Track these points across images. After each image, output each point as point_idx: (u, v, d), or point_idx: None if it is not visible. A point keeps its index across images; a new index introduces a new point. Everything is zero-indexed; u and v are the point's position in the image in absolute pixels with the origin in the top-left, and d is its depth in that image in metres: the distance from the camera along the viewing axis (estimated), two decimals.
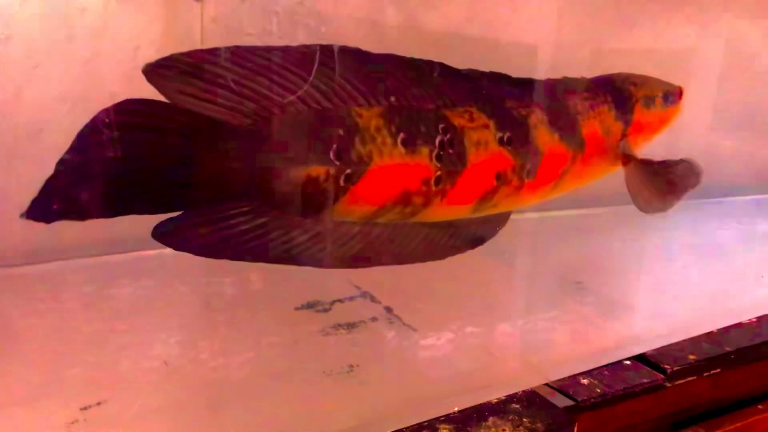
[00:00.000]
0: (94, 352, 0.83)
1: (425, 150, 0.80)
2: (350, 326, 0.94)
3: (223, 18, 1.14)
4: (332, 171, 0.75)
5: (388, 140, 0.77)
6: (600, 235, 1.40)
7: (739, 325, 1.03)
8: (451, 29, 1.32)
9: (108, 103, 1.09)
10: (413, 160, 0.79)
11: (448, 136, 0.81)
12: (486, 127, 0.85)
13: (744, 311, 1.06)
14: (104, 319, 0.91)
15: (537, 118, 0.91)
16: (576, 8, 1.41)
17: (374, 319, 0.96)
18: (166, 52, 1.12)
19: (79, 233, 1.12)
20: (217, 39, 1.14)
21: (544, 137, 0.91)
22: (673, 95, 1.12)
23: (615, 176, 1.56)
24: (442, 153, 0.81)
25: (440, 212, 0.85)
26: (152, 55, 1.11)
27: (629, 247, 1.33)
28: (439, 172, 0.81)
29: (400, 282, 1.10)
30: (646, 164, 1.05)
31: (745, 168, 1.74)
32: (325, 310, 0.98)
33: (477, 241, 0.95)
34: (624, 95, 1.05)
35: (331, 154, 0.75)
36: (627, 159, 1.05)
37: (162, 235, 0.74)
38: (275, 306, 0.99)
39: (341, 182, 0.76)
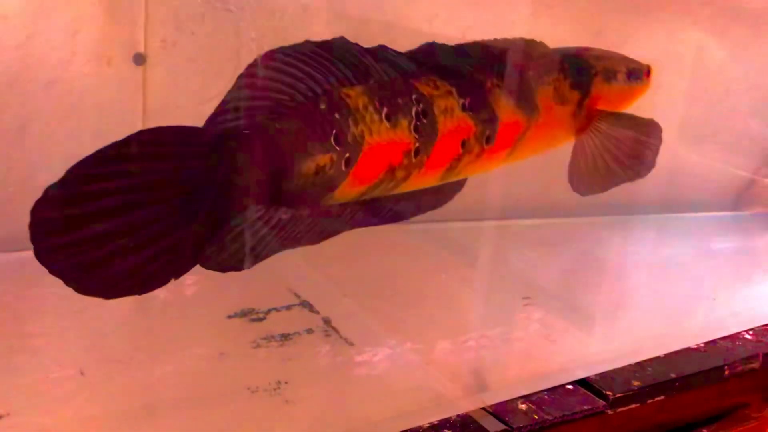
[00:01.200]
0: (1, 358, 0.77)
1: (404, 122, 0.78)
2: (284, 338, 0.89)
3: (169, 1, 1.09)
4: (335, 157, 0.74)
5: (375, 117, 0.76)
6: (555, 248, 1.37)
7: (687, 351, 1.00)
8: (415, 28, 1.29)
9: (41, 90, 1.05)
10: (396, 134, 0.78)
11: (421, 106, 0.80)
12: (450, 93, 0.83)
13: (693, 336, 1.03)
14: (18, 321, 0.86)
15: (492, 82, 0.89)
16: (539, 16, 1.38)
17: (310, 330, 0.92)
18: (107, 38, 1.08)
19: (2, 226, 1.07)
20: (162, 23, 1.09)
21: (500, 102, 0.89)
22: (638, 72, 1.09)
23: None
24: (418, 123, 0.79)
25: (415, 183, 0.84)
26: (92, 40, 1.07)
27: (583, 262, 1.30)
28: (417, 144, 0.80)
29: (342, 290, 1.06)
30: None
31: (707, 184, 1.72)
32: (259, 320, 0.93)
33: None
34: (582, 65, 1.02)
35: (332, 140, 0.73)
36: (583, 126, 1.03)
37: (207, 262, 0.71)
38: (207, 313, 0.94)
39: (342, 167, 0.74)
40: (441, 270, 1.20)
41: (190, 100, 1.11)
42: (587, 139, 1.04)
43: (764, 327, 1.10)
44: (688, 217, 1.66)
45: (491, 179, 1.38)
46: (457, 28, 1.33)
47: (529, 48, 0.98)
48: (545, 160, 1.42)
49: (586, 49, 1.08)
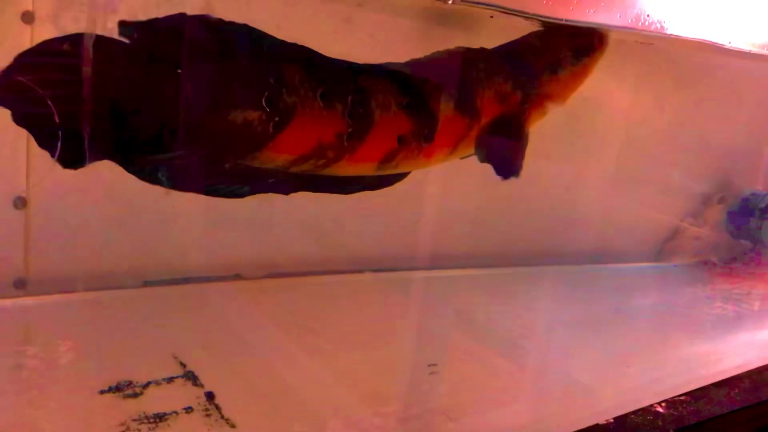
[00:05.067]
0: None
1: (339, 106, 0.86)
2: (158, 419, 0.82)
3: None
4: (264, 117, 0.81)
5: (310, 93, 0.83)
6: (471, 303, 1.32)
7: (596, 428, 0.95)
8: None
9: None
10: (330, 114, 0.85)
11: (358, 96, 0.87)
12: (389, 91, 0.90)
13: (604, 410, 0.98)
14: None
15: (433, 85, 0.96)
16: None
17: (189, 409, 0.84)
18: None
19: None
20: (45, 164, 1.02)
21: (440, 104, 0.95)
22: (587, 47, 1.10)
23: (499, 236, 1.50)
24: (353, 111, 0.86)
25: (347, 168, 0.90)
26: None
27: (495, 321, 1.24)
28: (350, 129, 0.87)
29: (233, 357, 0.99)
30: None
31: (632, 234, 1.70)
32: (135, 395, 0.85)
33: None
34: (524, 64, 1.06)
35: (263, 101, 0.81)
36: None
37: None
38: (78, 387, 0.86)
39: (270, 129, 0.82)
40: (348, 328, 1.14)
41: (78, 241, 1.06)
42: None
43: (676, 399, 1.06)
44: (613, 268, 1.64)
45: (418, 227, 1.34)
46: None
47: (470, 54, 1.02)
48: (473, 210, 1.39)
49: (527, 43, 1.08)
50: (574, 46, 1.09)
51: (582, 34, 1.10)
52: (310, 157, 0.86)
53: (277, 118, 0.82)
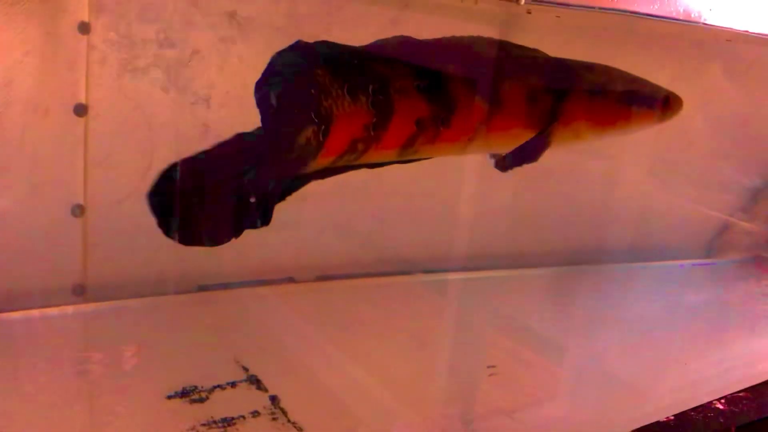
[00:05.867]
0: None
1: (363, 98, 0.87)
2: (226, 423, 0.82)
3: (113, 49, 1.02)
4: (316, 128, 0.83)
5: (339, 92, 0.85)
6: (520, 304, 1.31)
7: (656, 425, 0.95)
8: None
9: None
10: (356, 108, 0.86)
11: (378, 84, 0.88)
12: (405, 75, 0.90)
13: (663, 408, 0.98)
14: None
15: (452, 69, 0.95)
16: None
17: (256, 413, 0.85)
18: (43, 88, 1.01)
19: None
20: (105, 71, 1.03)
21: (459, 88, 0.95)
22: (645, 98, 1.07)
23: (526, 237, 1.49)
24: (375, 100, 0.87)
25: (374, 156, 0.91)
26: (27, 91, 1.00)
27: (547, 321, 1.24)
28: (375, 118, 0.87)
29: (293, 361, 0.99)
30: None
31: (679, 230, 1.68)
32: (201, 400, 0.86)
33: None
34: (567, 74, 1.04)
35: (312, 114, 0.83)
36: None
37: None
38: (144, 392, 0.87)
39: (320, 138, 0.84)
40: (403, 330, 1.14)
41: (135, 150, 1.05)
42: None
43: (736, 395, 1.05)
44: (658, 266, 1.62)
45: (455, 228, 1.34)
46: None
47: (505, 47, 1.02)
48: (511, 208, 1.38)
49: (588, 63, 1.06)
50: (632, 89, 1.07)
51: (643, 83, 1.08)
52: (346, 153, 0.88)
53: (323, 126, 0.83)
